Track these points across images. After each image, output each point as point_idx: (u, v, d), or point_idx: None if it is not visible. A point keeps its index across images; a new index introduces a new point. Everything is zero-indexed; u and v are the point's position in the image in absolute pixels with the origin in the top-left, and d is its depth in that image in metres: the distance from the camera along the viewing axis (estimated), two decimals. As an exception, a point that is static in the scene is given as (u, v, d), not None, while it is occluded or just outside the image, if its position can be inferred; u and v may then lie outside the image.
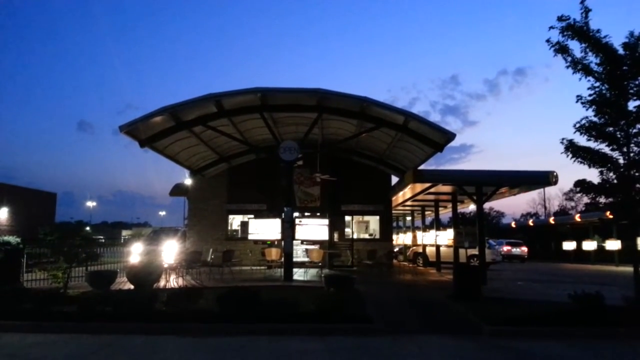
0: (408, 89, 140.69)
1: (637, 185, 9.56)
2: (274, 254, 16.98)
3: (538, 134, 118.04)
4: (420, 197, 21.01)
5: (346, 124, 19.00)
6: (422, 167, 19.22)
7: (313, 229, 17.80)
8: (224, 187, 23.34)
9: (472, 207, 26.95)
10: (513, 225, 49.88)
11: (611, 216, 10.80)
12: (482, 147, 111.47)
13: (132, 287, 12.24)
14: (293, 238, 16.27)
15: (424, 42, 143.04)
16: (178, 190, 25.32)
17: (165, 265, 14.78)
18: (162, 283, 13.35)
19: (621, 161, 9.65)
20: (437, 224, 23.75)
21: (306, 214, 21.46)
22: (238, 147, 21.41)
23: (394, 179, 23.61)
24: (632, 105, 9.71)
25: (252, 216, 20.75)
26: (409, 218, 35.42)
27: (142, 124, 15.64)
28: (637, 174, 9.52)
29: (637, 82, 9.68)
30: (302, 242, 19.29)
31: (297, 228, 17.13)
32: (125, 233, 63.81)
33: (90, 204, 76.84)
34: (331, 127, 20.06)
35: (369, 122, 17.47)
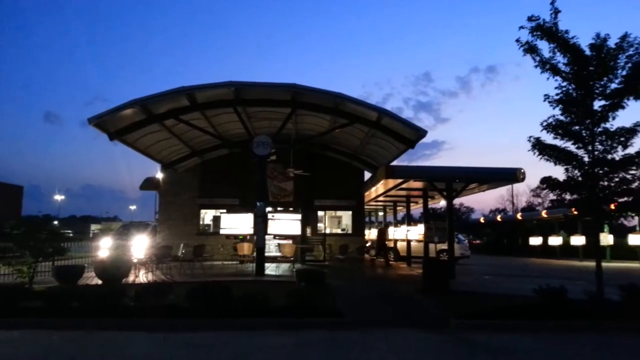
0: (382, 85, 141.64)
1: (601, 183, 9.84)
2: (246, 248, 16.92)
3: (508, 131, 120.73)
4: (392, 192, 21.21)
5: (320, 119, 19.02)
6: (394, 163, 19.43)
7: (285, 223, 17.80)
8: (196, 182, 23.12)
9: (443, 202, 27.34)
10: (482, 220, 50.83)
11: (576, 213, 11.11)
12: (454, 143, 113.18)
13: (100, 282, 12.04)
14: (265, 233, 16.24)
15: (399, 39, 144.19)
16: (149, 184, 24.93)
17: (135, 260, 14.58)
18: (131, 278, 13.16)
19: (586, 159, 9.91)
20: (409, 219, 24.06)
21: (279, 208, 21.44)
22: (211, 141, 21.22)
23: (367, 175, 23.79)
24: (597, 104, 9.94)
25: (224, 211, 20.63)
26: (381, 213, 35.73)
27: (112, 116, 15.34)
28: (600, 171, 9.79)
29: (602, 83, 9.90)
30: (275, 236, 19.28)
31: (270, 223, 17.14)
32: (94, 227, 62.54)
33: (58, 197, 74.98)
34: (305, 123, 20.06)
35: (342, 118, 17.53)
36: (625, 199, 9.83)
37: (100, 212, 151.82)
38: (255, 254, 15.80)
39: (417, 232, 22.47)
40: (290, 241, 18.79)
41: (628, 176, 9.70)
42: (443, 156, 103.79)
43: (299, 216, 18.48)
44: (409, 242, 22.52)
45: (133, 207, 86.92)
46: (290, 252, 16.90)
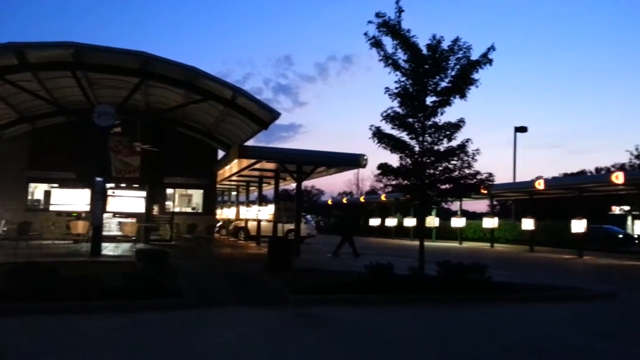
0: (243, 63, 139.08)
1: (428, 171, 10.95)
2: (80, 227, 15.57)
3: (360, 118, 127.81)
4: (245, 172, 21.27)
5: (172, 93, 18.20)
6: (249, 143, 19.45)
7: (128, 201, 16.80)
8: (24, 151, 20.58)
9: (295, 184, 28.23)
10: (329, 202, 53.58)
11: (407, 197, 12.27)
12: (310, 127, 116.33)
13: None
14: (104, 210, 15.12)
15: (262, 18, 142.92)
16: (-36, 151, 21.51)
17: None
18: None
19: (417, 149, 10.92)
20: (260, 200, 24.35)
21: (122, 185, 20.11)
22: (44, 107, 19.00)
23: (221, 153, 23.47)
24: (429, 100, 10.97)
25: (56, 185, 18.76)
26: (234, 193, 35.61)
27: None
28: (428, 161, 10.89)
29: (435, 81, 10.92)
30: (115, 214, 18.08)
31: (110, 200, 16.00)
32: None
33: None
34: (155, 95, 19.03)
35: (196, 94, 17.01)
36: (447, 186, 11.09)
37: None
38: (91, 233, 14.64)
39: (267, 212, 22.89)
40: (133, 220, 17.76)
41: (450, 166, 10.93)
42: (300, 139, 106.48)
43: (143, 193, 17.53)
44: (259, 221, 22.85)
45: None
46: (131, 231, 16.01)
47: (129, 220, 17.67)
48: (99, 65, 15.82)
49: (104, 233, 15.12)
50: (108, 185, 16.63)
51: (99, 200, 14.50)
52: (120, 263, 11.68)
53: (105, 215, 15.49)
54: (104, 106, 15.07)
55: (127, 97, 16.13)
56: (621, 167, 39.21)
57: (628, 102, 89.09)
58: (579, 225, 23.01)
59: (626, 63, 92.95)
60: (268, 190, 29.49)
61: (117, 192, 17.44)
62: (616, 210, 33.42)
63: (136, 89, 16.21)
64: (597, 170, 43.76)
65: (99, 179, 14.48)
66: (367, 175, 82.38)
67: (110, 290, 7.96)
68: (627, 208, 31.93)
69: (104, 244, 14.74)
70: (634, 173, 28.62)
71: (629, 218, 31.09)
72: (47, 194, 19.63)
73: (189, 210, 23.82)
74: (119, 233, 17.26)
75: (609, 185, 21.98)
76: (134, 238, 16.39)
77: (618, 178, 20.13)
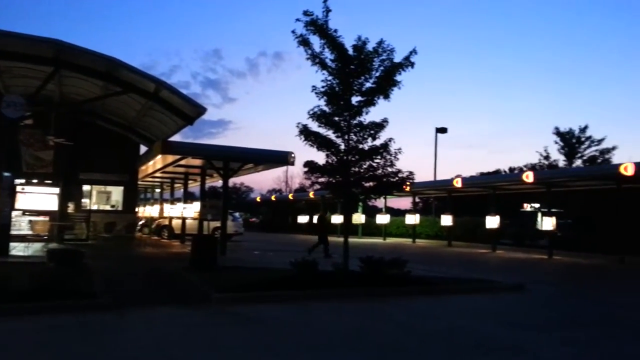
0: (170, 55, 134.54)
1: (353, 169, 11.18)
2: (-15, 226, 14.39)
3: (290, 116, 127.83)
4: (170, 168, 20.69)
5: (90, 84, 17.29)
6: (174, 138, 18.87)
7: (40, 198, 15.75)
8: None
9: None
10: (258, 199, 53.30)
11: (332, 194, 12.46)
12: (240, 124, 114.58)
13: None
14: (12, 208, 14.09)
15: (190, 9, 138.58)
16: None
17: None
18: None
19: (342, 147, 11.12)
20: (185, 197, 23.79)
21: (34, 180, 18.80)
22: (-57, 95, 17.37)
23: (144, 149, 22.63)
24: (354, 100, 11.20)
25: (-41, 181, 17.22)
26: (158, 190, 34.45)
27: None
28: (353, 159, 11.12)
29: (360, 81, 11.16)
30: (25, 212, 16.89)
31: (20, 196, 14.92)
32: None
33: None
34: (72, 86, 18.00)
35: (116, 85, 16.26)
36: (371, 183, 11.38)
37: None
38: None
39: (193, 209, 22.37)
40: (46, 218, 16.67)
41: (374, 164, 11.22)
42: (229, 136, 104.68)
43: (57, 190, 16.50)
44: (184, 219, 22.30)
45: None
46: (43, 230, 15.05)
47: (40, 218, 16.58)
48: (8, 53, 14.66)
49: (13, 232, 14.11)
50: (18, 180, 15.49)
51: (6, 197, 13.49)
52: (30, 264, 10.93)
53: (14, 213, 14.42)
54: (13, 96, 14.01)
55: (40, 87, 15.13)
56: (532, 167, 42.13)
57: (543, 104, 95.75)
58: (492, 221, 24.45)
59: (544, 66, 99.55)
60: (194, 187, 28.82)
61: (28, 188, 16.27)
62: (527, 207, 35.81)
63: (50, 79, 15.23)
64: (511, 169, 46.63)
65: (7, 174, 13.51)
66: (297, 173, 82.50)
67: (18, 292, 7.45)
68: (537, 205, 34.33)
69: (12, 244, 13.73)
70: (543, 173, 30.88)
71: (539, 215, 33.44)
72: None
73: (107, 208, 22.77)
74: (30, 232, 16.14)
75: (520, 184, 23.46)
76: (46, 237, 15.40)
77: (528, 177, 21.58)
